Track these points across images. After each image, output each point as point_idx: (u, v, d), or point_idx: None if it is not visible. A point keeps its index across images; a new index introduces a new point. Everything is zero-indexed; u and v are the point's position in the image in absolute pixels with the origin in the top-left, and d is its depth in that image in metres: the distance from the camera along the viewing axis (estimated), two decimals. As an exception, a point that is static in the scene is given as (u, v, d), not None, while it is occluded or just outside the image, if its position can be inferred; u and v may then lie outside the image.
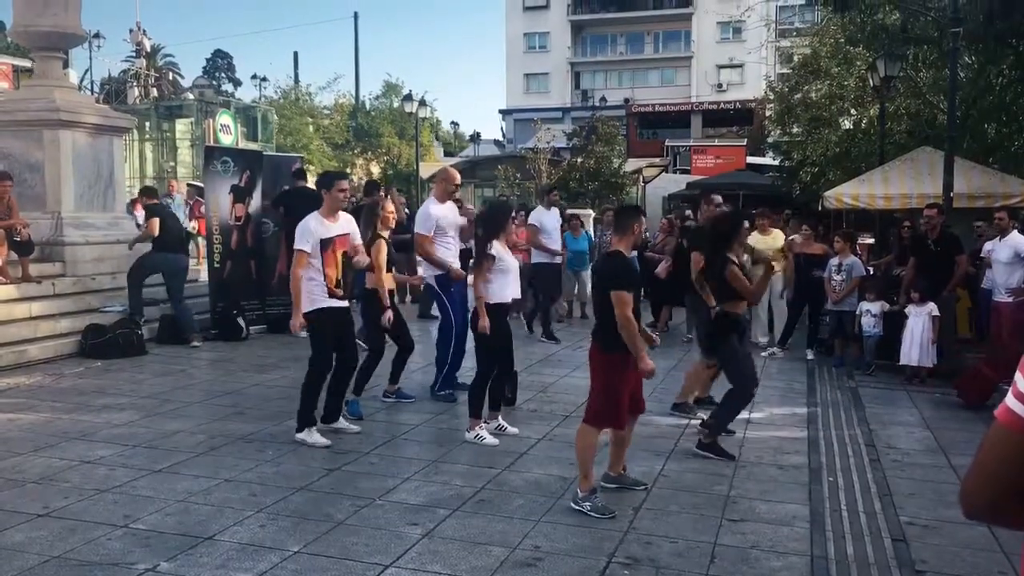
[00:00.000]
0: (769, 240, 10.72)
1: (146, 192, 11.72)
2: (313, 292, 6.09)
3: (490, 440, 6.24)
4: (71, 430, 6.31)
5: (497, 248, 6.44)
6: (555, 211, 12.19)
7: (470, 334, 7.79)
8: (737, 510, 4.97)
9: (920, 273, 9.48)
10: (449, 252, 7.51)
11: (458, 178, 7.85)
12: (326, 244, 6.11)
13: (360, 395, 6.94)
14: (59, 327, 9.49)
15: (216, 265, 10.93)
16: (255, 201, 11.32)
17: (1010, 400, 1.28)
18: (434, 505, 4.89)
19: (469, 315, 6.91)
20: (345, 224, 6.33)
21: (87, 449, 5.83)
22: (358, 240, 6.48)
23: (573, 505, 4.88)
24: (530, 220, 11.85)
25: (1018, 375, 1.28)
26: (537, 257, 11.57)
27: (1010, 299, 8.79)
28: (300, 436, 6.10)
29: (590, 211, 18.79)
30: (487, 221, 6.72)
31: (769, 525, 4.74)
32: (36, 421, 6.57)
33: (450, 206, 7.72)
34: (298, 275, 6.05)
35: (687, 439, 6.37)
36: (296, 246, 6.08)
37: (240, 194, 11.17)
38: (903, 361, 9.04)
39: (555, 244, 11.77)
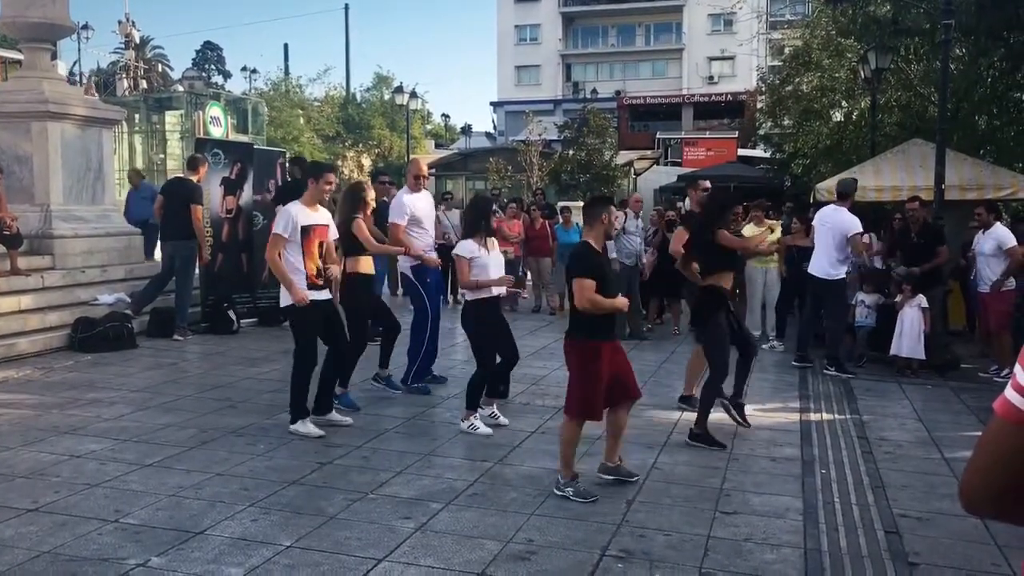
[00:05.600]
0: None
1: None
2: (294, 285, 6.07)
3: (484, 430, 6.24)
4: (61, 424, 6.26)
5: (470, 246, 6.30)
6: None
7: (454, 327, 7.81)
8: (730, 503, 4.97)
9: (904, 265, 9.49)
10: (422, 242, 7.51)
11: (424, 167, 7.91)
12: (306, 232, 6.09)
13: (347, 387, 6.92)
14: (48, 320, 9.43)
15: (207, 258, 10.87)
16: (246, 194, 11.26)
17: (1009, 393, 1.26)
18: (427, 499, 4.88)
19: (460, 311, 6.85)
20: (325, 216, 6.36)
21: (77, 443, 5.79)
22: (334, 235, 6.46)
23: (556, 491, 4.95)
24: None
25: (1018, 367, 1.26)
26: None
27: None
28: (294, 428, 6.10)
29: (580, 203, 18.81)
30: (466, 217, 6.70)
31: (762, 517, 4.74)
32: (25, 415, 6.52)
33: (424, 196, 7.72)
34: (273, 257, 6.04)
35: (680, 432, 6.36)
36: (274, 231, 6.10)
37: (231, 187, 11.11)
38: (893, 352, 9.07)
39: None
